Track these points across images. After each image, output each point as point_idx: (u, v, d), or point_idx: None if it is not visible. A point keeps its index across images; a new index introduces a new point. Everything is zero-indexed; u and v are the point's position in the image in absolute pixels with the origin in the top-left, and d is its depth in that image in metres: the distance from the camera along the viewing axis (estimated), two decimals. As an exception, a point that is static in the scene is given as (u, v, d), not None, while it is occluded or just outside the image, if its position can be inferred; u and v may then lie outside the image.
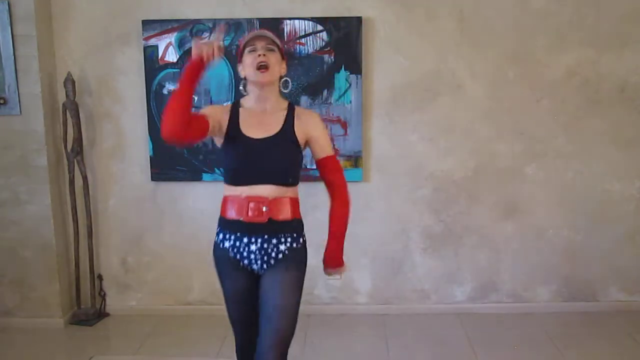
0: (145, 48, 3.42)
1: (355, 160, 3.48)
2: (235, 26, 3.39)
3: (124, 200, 3.62)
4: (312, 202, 3.58)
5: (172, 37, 3.41)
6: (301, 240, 2.20)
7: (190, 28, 3.40)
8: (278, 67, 2.14)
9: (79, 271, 3.59)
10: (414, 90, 3.47)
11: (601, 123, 3.49)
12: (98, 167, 3.60)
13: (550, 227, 3.60)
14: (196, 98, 3.45)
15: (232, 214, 2.13)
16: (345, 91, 3.42)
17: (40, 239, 3.45)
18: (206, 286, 3.69)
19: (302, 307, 3.78)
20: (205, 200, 3.60)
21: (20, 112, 3.33)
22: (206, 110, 2.17)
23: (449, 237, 3.62)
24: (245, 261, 2.15)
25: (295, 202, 2.20)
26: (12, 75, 3.29)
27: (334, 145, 3.46)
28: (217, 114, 2.15)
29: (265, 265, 2.14)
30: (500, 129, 3.51)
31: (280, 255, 2.14)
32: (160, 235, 3.65)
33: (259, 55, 2.11)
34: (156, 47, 3.42)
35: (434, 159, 3.54)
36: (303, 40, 3.39)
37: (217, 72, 3.42)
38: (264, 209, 2.09)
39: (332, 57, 3.39)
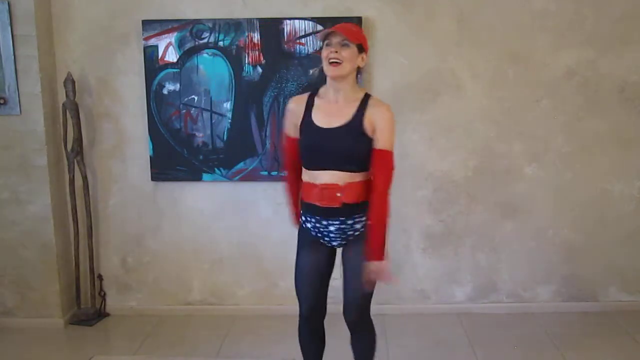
0: (145, 48, 3.42)
1: (355, 160, 3.48)
2: (235, 26, 3.39)
3: (124, 200, 3.62)
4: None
5: (172, 37, 3.41)
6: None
7: (190, 28, 3.40)
8: (351, 61, 2.24)
9: (79, 271, 3.59)
10: (413, 90, 3.47)
11: (601, 123, 3.49)
12: (98, 167, 3.60)
13: (550, 227, 3.61)
14: (196, 98, 3.46)
15: (310, 198, 2.34)
16: (345, 91, 3.41)
17: (40, 239, 3.45)
18: (206, 286, 3.70)
19: (302, 307, 3.77)
20: (205, 200, 3.60)
21: (20, 112, 3.33)
22: (289, 129, 2.41)
23: (449, 237, 3.62)
24: (326, 239, 2.38)
25: (367, 185, 2.32)
26: (12, 75, 3.29)
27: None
28: (293, 119, 2.37)
29: (344, 242, 2.37)
30: (500, 129, 3.51)
31: (357, 233, 2.34)
32: (160, 235, 3.65)
33: (332, 51, 2.23)
34: (156, 47, 3.42)
35: (434, 159, 3.54)
36: (303, 40, 3.39)
37: (217, 72, 3.43)
38: (338, 194, 2.28)
39: (332, 57, 3.39)
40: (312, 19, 3.37)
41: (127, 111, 3.53)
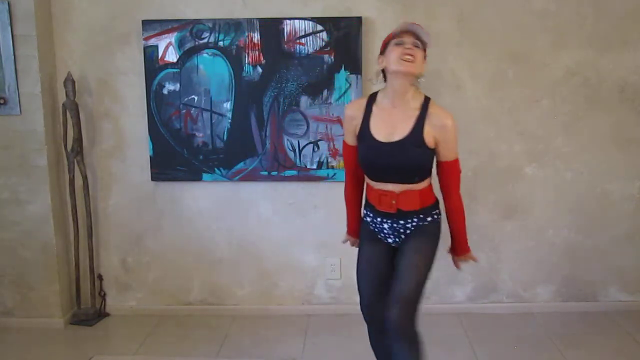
0: (145, 48, 3.42)
1: (355, 160, 3.48)
2: (235, 26, 3.39)
3: (124, 200, 3.62)
4: (313, 202, 3.60)
5: (172, 37, 3.41)
6: (429, 219, 2.34)
7: (190, 28, 3.40)
8: (421, 65, 2.19)
9: (79, 271, 3.59)
10: (414, 90, 3.47)
11: (601, 123, 3.49)
12: (98, 167, 3.60)
13: (550, 227, 3.61)
14: (196, 98, 3.46)
15: (369, 197, 2.37)
16: (345, 91, 3.42)
17: (40, 239, 3.45)
18: (206, 286, 3.70)
19: (302, 307, 3.82)
20: (205, 200, 3.60)
21: (20, 112, 3.33)
22: (347, 137, 2.38)
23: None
24: (381, 235, 2.39)
25: (424, 193, 2.32)
26: (12, 75, 3.29)
27: (333, 145, 3.47)
28: (351, 128, 2.33)
29: (398, 240, 2.36)
30: (500, 129, 3.51)
31: (409, 231, 2.33)
32: (160, 235, 3.65)
33: (407, 49, 2.16)
34: (156, 47, 3.42)
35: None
36: (303, 40, 3.39)
37: (217, 72, 3.43)
38: (393, 202, 2.28)
39: (332, 57, 3.39)
40: (312, 19, 3.37)
41: (127, 111, 3.53)
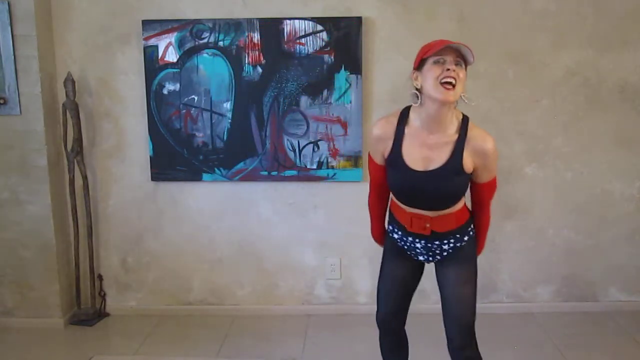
0: (145, 48, 3.42)
1: (355, 160, 3.48)
2: (235, 26, 3.39)
3: (124, 200, 3.62)
4: (313, 202, 3.60)
5: (172, 37, 3.41)
6: (465, 238, 2.20)
7: (190, 28, 3.40)
8: (463, 85, 1.95)
9: (79, 271, 3.59)
10: (414, 90, 3.47)
11: (601, 123, 3.49)
12: (98, 167, 3.60)
13: (550, 227, 3.61)
14: (196, 98, 3.46)
15: (398, 216, 2.20)
16: (345, 91, 3.42)
17: (40, 239, 3.45)
18: (206, 286, 3.70)
19: (302, 307, 3.82)
20: (205, 200, 3.60)
21: (20, 112, 3.33)
22: (375, 155, 2.17)
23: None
24: (412, 253, 2.23)
25: (460, 213, 2.17)
26: (12, 75, 3.29)
27: (333, 145, 3.47)
28: (380, 148, 2.12)
29: (431, 259, 2.22)
30: (500, 129, 3.51)
31: (445, 253, 2.19)
32: (160, 235, 3.65)
33: (448, 69, 1.91)
34: (156, 47, 3.42)
35: (434, 159, 3.54)
36: (303, 40, 3.39)
37: (217, 72, 3.43)
38: (427, 225, 2.12)
39: (332, 57, 3.39)
40: (312, 19, 3.37)
41: (127, 111, 3.53)
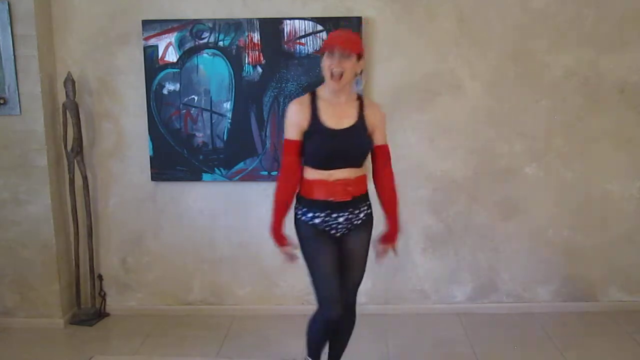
0: (145, 48, 3.42)
1: (355, 160, 3.47)
2: (235, 26, 3.39)
3: (124, 200, 3.62)
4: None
5: (172, 37, 3.41)
6: (371, 208, 2.58)
7: (190, 28, 3.40)
8: (352, 71, 2.36)
9: (79, 271, 3.59)
10: (413, 90, 3.47)
11: (601, 123, 3.49)
12: (98, 167, 3.60)
13: (550, 227, 3.61)
14: (196, 98, 3.46)
15: (320, 195, 2.44)
16: (345, 91, 3.41)
17: (40, 239, 3.45)
18: (206, 286, 3.70)
19: (300, 307, 3.83)
20: (205, 200, 3.60)
21: (20, 112, 3.33)
22: (292, 132, 2.42)
23: (449, 237, 3.62)
24: (333, 230, 2.49)
25: (366, 178, 2.54)
26: (12, 75, 3.29)
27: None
28: (299, 121, 2.41)
29: (346, 230, 2.51)
30: (500, 129, 3.51)
31: (359, 222, 2.51)
32: (160, 235, 3.65)
33: (334, 64, 2.33)
34: (156, 47, 3.42)
35: (434, 159, 3.54)
36: (303, 40, 3.39)
37: (217, 72, 3.43)
38: (349, 188, 2.44)
39: (332, 57, 3.39)
40: (312, 19, 3.37)
41: (127, 111, 3.53)
